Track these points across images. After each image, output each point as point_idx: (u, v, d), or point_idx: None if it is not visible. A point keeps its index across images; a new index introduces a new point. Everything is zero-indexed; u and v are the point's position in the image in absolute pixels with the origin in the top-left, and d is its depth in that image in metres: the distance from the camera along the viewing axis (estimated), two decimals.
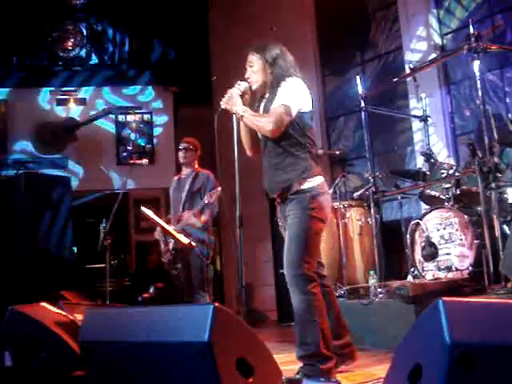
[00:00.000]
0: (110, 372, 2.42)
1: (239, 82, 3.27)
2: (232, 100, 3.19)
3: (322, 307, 3.08)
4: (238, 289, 3.02)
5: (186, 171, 5.25)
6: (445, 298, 1.77)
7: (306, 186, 3.12)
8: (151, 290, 7.92)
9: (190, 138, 5.40)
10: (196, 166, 5.23)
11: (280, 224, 3.52)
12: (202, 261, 4.92)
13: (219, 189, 4.78)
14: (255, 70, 3.30)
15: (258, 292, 8.05)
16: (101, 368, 2.46)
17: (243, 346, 2.24)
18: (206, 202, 4.80)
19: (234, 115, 3.22)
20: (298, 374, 3.04)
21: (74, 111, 9.40)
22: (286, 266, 3.11)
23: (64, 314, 3.36)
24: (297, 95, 3.17)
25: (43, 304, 3.42)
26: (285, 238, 3.26)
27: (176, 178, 5.41)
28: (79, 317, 3.27)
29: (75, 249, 7.49)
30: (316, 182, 3.15)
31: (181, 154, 5.22)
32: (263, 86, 3.32)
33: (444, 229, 4.66)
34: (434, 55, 6.20)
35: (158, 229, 5.19)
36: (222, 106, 3.20)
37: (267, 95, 3.32)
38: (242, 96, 3.24)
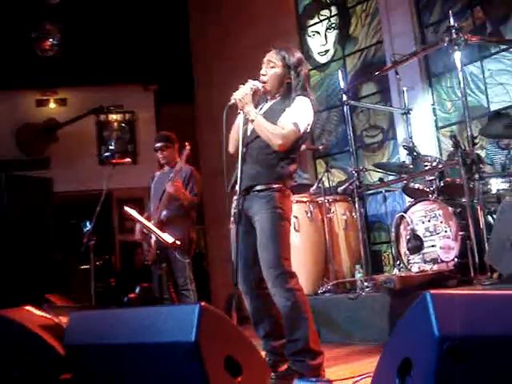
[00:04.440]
0: (96, 375, 2.39)
1: (252, 81, 3.14)
2: (247, 98, 3.07)
3: (307, 302, 3.05)
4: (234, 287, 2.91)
5: (168, 167, 5.04)
6: (432, 291, 1.76)
7: (276, 185, 3.04)
8: (137, 291, 7.86)
9: (163, 133, 5.19)
10: (178, 160, 4.97)
11: (232, 219, 3.19)
12: (182, 259, 4.72)
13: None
14: (275, 71, 3.17)
15: None
16: (87, 371, 2.43)
17: (231, 345, 2.22)
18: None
19: (240, 112, 3.10)
20: (286, 371, 3.02)
21: (55, 112, 9.31)
22: (266, 267, 3.00)
23: (49, 317, 3.31)
24: (307, 117, 3.10)
25: (27, 308, 3.37)
26: (236, 232, 3.06)
27: (158, 172, 5.20)
28: (64, 319, 3.23)
29: (59, 251, 7.40)
30: (286, 186, 3.08)
31: (159, 155, 5.00)
32: (274, 89, 3.21)
33: (429, 221, 4.68)
34: (415, 48, 6.21)
35: (138, 229, 5.01)
36: (232, 101, 3.07)
37: (274, 101, 3.22)
38: (252, 95, 3.11)
